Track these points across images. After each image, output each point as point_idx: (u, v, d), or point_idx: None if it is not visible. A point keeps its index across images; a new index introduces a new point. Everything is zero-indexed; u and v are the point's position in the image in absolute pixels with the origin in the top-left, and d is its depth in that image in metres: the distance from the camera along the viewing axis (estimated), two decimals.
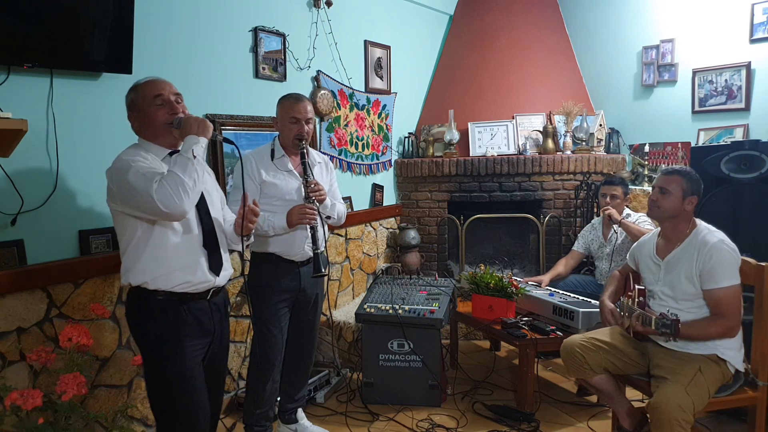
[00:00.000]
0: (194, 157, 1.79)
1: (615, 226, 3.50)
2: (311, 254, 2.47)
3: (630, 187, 4.27)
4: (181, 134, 1.87)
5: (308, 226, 2.44)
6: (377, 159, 4.47)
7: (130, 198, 1.78)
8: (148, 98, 1.89)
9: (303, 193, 2.47)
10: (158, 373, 1.91)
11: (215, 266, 1.96)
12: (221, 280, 2.00)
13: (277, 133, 2.60)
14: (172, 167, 1.78)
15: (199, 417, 1.95)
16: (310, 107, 2.54)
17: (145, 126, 1.92)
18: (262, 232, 2.43)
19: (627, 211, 3.56)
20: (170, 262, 1.86)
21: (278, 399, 2.77)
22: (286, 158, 2.56)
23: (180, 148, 1.85)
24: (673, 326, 2.06)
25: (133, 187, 1.75)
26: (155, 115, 1.89)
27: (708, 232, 2.29)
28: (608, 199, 3.54)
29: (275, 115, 2.59)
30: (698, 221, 2.36)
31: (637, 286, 2.42)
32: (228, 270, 2.05)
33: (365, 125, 4.30)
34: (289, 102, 2.53)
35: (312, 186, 2.43)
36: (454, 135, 4.50)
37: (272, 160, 2.54)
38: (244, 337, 3.31)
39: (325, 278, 2.57)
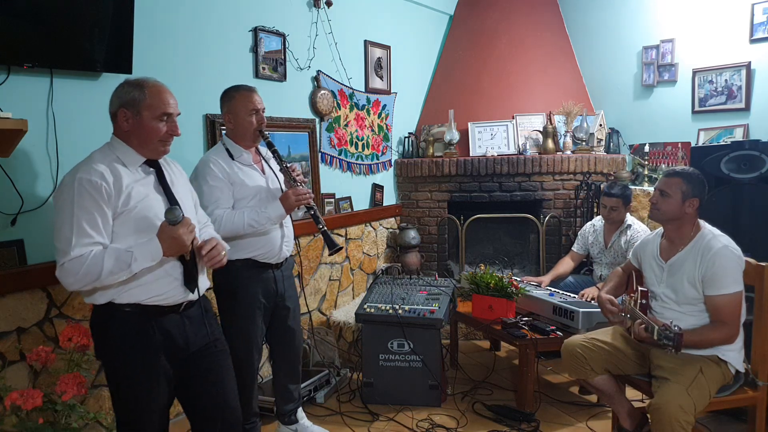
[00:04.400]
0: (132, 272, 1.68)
1: (616, 234, 3.47)
2: (287, 255, 2.54)
3: (630, 187, 4.27)
4: (161, 229, 1.71)
5: (308, 208, 2.44)
6: (377, 159, 4.47)
7: (54, 228, 1.69)
8: (155, 109, 1.79)
9: (281, 180, 2.49)
10: (120, 390, 1.83)
11: (190, 280, 1.84)
12: (195, 295, 1.88)
13: (224, 131, 2.51)
14: (108, 256, 1.64)
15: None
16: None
17: (137, 134, 1.80)
18: (258, 228, 2.38)
19: (629, 217, 3.51)
20: (141, 274, 1.73)
21: (274, 408, 2.77)
22: (246, 154, 2.47)
23: (134, 250, 1.68)
24: (676, 339, 2.02)
25: (58, 228, 1.67)
26: (156, 129, 1.80)
27: (713, 236, 2.26)
28: (607, 210, 3.47)
29: (223, 112, 2.45)
30: (703, 224, 2.34)
31: (640, 288, 2.41)
32: (204, 283, 1.94)
33: (365, 125, 4.30)
34: (244, 94, 2.41)
35: (292, 170, 2.44)
36: (454, 135, 4.50)
37: (233, 159, 2.43)
38: None
39: (298, 288, 2.54)
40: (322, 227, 2.45)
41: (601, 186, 4.10)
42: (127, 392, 1.82)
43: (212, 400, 1.95)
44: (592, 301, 3.20)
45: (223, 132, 2.55)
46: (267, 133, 2.50)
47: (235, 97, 2.43)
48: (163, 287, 1.80)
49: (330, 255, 2.52)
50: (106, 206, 1.69)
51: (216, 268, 1.90)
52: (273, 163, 2.58)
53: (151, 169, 1.86)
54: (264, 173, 2.53)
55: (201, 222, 2.06)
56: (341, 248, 2.40)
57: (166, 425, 1.92)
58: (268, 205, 2.40)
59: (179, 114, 1.88)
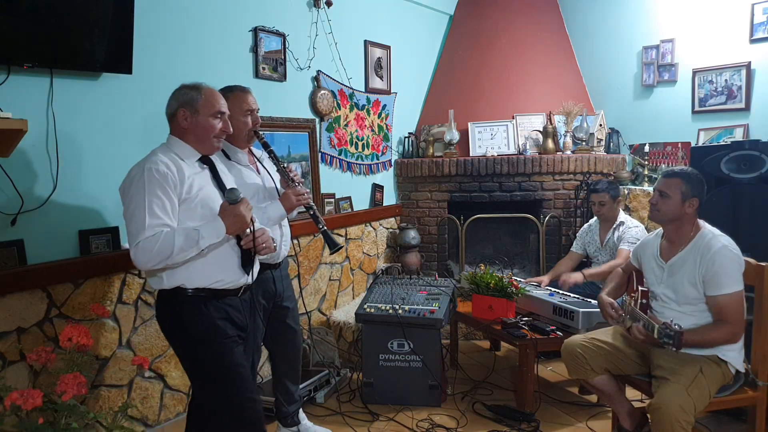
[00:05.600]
0: (202, 249, 1.84)
1: (610, 232, 3.50)
2: (285, 255, 2.59)
3: (630, 186, 4.28)
4: (222, 208, 1.89)
5: (308, 208, 2.45)
6: (377, 159, 4.47)
7: (126, 215, 1.85)
8: (211, 107, 1.96)
9: (276, 180, 2.51)
10: (208, 368, 1.96)
11: (247, 265, 2.01)
12: (250, 279, 2.05)
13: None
14: (179, 234, 1.80)
15: (256, 407, 2.00)
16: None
17: (195, 131, 1.96)
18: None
19: (622, 215, 3.55)
20: (205, 260, 1.90)
21: (274, 408, 2.77)
22: (242, 154, 2.47)
23: (201, 228, 1.84)
24: (676, 338, 2.02)
25: (131, 214, 1.82)
26: (212, 126, 1.97)
27: (713, 236, 2.26)
28: (596, 206, 3.56)
29: None
30: (702, 224, 2.34)
31: (640, 288, 2.41)
32: (258, 267, 2.11)
33: (365, 125, 4.30)
34: (238, 95, 2.40)
35: (289, 170, 2.47)
36: (454, 135, 4.50)
37: (230, 159, 2.41)
38: None
39: (297, 286, 2.55)
40: (323, 227, 2.46)
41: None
42: (211, 363, 1.94)
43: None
44: (573, 285, 3.35)
45: None
46: (262, 133, 2.49)
47: (229, 97, 2.38)
48: (224, 272, 1.95)
49: (331, 254, 2.52)
50: (173, 192, 1.85)
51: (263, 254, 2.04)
52: (267, 163, 2.58)
53: (205, 165, 2.03)
54: (259, 173, 2.53)
55: None
56: (342, 247, 2.41)
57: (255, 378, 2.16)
58: (268, 206, 2.40)
59: (229, 114, 2.06)
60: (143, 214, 1.79)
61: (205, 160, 2.03)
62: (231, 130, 2.05)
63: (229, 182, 2.10)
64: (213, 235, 1.84)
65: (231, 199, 1.89)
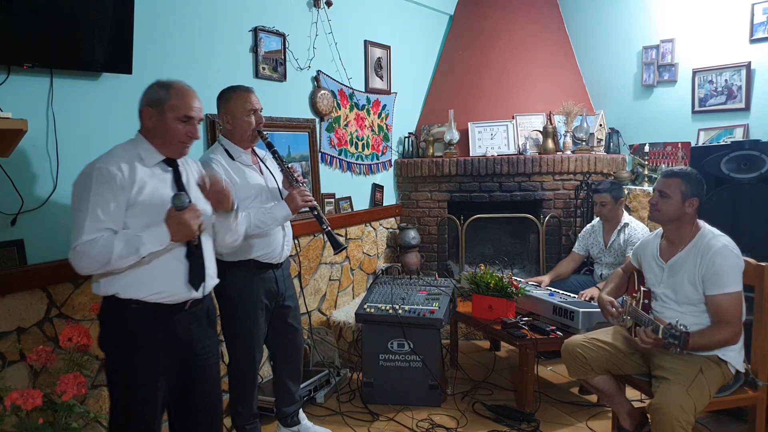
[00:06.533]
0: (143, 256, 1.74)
1: (614, 234, 3.49)
2: (288, 254, 2.57)
3: (630, 186, 4.28)
4: (168, 214, 1.77)
5: (312, 208, 2.46)
6: (377, 159, 4.47)
7: (71, 214, 1.77)
8: (178, 110, 1.85)
9: (278, 180, 2.51)
10: (116, 402, 1.86)
11: (195, 279, 1.88)
12: (200, 293, 1.91)
13: (218, 133, 2.51)
14: (118, 240, 1.71)
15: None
16: None
17: (159, 132, 1.86)
18: (264, 229, 2.39)
19: (626, 216, 3.53)
20: (145, 271, 1.78)
21: (274, 408, 2.77)
22: (245, 154, 2.47)
23: (144, 235, 1.74)
24: (682, 338, 2.01)
25: (74, 214, 1.74)
26: (176, 130, 1.85)
27: (713, 236, 2.26)
28: (598, 207, 3.55)
29: (221, 112, 2.44)
30: (702, 223, 2.34)
31: (642, 288, 2.41)
32: (212, 280, 1.98)
33: (365, 125, 4.30)
34: (242, 94, 2.40)
35: (293, 171, 2.46)
36: (454, 135, 4.50)
37: (233, 160, 2.41)
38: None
39: (298, 287, 2.55)
40: (326, 227, 2.46)
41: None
42: (125, 387, 1.84)
43: (204, 398, 2.00)
44: (592, 301, 3.21)
45: (219, 133, 2.54)
46: (266, 133, 2.50)
47: (232, 97, 2.42)
48: (166, 284, 1.83)
49: (335, 254, 2.52)
50: (120, 195, 1.75)
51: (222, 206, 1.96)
52: (269, 162, 2.59)
53: (169, 168, 1.91)
54: (262, 173, 2.53)
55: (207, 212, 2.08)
56: (345, 248, 2.41)
57: (160, 423, 1.92)
58: (273, 207, 2.41)
59: (202, 119, 1.93)
60: (84, 216, 1.71)
61: (170, 163, 1.91)
62: (199, 136, 1.92)
63: (193, 188, 1.95)
64: (155, 242, 1.74)
65: (177, 205, 1.77)
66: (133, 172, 1.79)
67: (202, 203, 1.96)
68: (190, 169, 2.02)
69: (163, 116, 1.85)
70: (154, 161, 1.87)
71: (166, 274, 1.83)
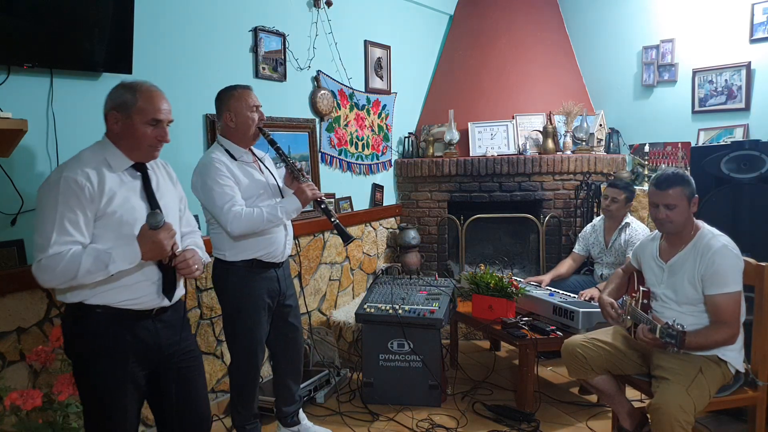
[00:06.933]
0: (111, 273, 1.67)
1: (615, 233, 3.49)
2: (289, 254, 2.59)
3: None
4: (142, 232, 1.71)
5: (320, 202, 2.48)
6: (377, 159, 4.47)
7: (34, 223, 1.69)
8: (146, 114, 1.76)
9: (278, 178, 2.53)
10: (86, 390, 1.80)
11: (168, 287, 1.83)
12: (169, 301, 1.86)
13: (218, 132, 2.52)
14: (87, 255, 1.63)
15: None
16: None
17: (127, 137, 1.78)
18: (276, 222, 2.40)
19: (628, 216, 3.52)
20: (118, 276, 1.71)
21: (274, 408, 2.77)
22: (246, 154, 2.47)
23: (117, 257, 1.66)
24: (679, 338, 2.02)
25: (39, 224, 1.65)
26: (144, 134, 1.77)
27: (712, 236, 2.26)
28: (608, 201, 3.50)
29: (222, 112, 2.43)
30: (701, 224, 2.34)
31: (641, 288, 2.41)
32: (180, 290, 1.92)
33: (365, 125, 4.30)
34: (243, 91, 2.42)
35: (298, 165, 2.48)
36: (454, 135, 4.50)
37: (235, 159, 2.42)
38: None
39: (298, 286, 2.55)
40: (335, 220, 2.49)
41: (602, 186, 4.10)
42: (93, 393, 1.79)
43: (182, 406, 1.92)
44: (592, 301, 3.21)
45: (218, 133, 2.55)
46: (268, 131, 2.51)
47: (234, 95, 2.43)
48: (138, 292, 1.78)
49: (345, 246, 2.54)
50: (88, 207, 1.68)
51: (192, 278, 1.90)
52: (267, 162, 2.61)
53: (138, 173, 1.83)
54: (262, 172, 2.54)
55: (188, 226, 2.04)
56: (354, 239, 2.43)
57: (135, 427, 1.87)
58: (283, 201, 2.43)
59: (171, 121, 1.84)
60: (51, 228, 1.62)
61: (140, 167, 1.83)
62: (169, 139, 1.83)
63: (162, 196, 1.87)
64: (125, 260, 1.67)
65: (152, 223, 1.70)
66: (102, 182, 1.71)
67: (172, 212, 1.91)
68: (160, 172, 1.95)
69: (131, 120, 1.76)
70: (122, 167, 1.79)
71: (138, 282, 1.77)
